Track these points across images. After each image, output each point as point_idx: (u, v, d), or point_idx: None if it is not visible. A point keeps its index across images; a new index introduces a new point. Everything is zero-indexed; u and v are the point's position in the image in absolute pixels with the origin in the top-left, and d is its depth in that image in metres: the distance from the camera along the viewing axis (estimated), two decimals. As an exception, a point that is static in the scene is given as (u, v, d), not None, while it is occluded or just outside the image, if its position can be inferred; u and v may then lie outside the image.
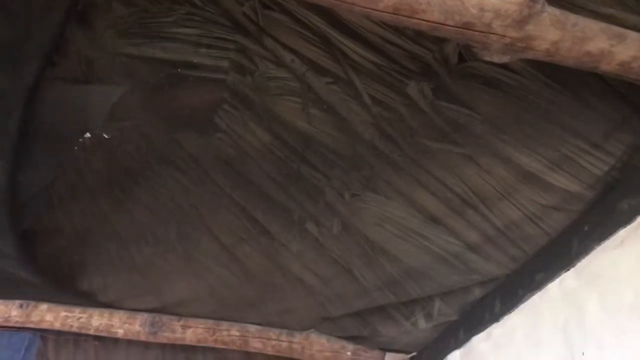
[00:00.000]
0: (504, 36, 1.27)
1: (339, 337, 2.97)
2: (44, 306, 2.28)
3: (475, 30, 1.26)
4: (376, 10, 1.21)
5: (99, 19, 2.73)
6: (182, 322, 2.45)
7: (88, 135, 2.98)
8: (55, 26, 2.21)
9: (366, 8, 1.20)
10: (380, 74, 2.14)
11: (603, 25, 1.34)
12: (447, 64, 1.94)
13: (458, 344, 2.46)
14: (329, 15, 2.14)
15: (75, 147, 2.88)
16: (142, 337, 2.79)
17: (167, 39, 2.59)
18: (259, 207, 2.76)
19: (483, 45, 1.30)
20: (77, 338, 2.67)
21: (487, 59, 1.34)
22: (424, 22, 1.23)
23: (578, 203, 1.86)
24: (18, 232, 2.38)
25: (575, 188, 1.81)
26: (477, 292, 2.27)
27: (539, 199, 1.91)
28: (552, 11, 1.29)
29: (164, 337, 2.77)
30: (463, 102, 1.95)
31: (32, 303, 2.28)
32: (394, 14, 1.22)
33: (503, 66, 1.83)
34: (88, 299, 2.61)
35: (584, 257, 1.82)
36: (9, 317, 2.24)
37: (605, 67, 1.37)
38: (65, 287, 2.61)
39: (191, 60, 2.57)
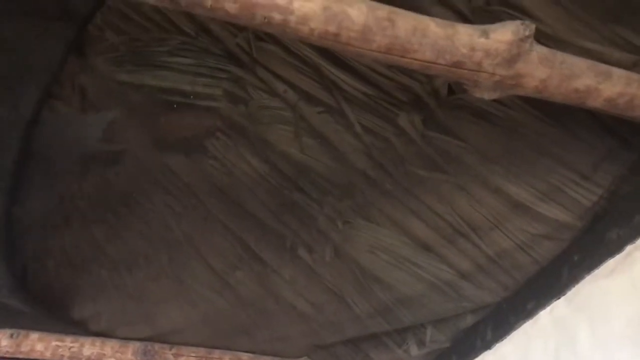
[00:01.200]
0: (493, 74, 1.31)
1: (332, 364, 2.96)
2: (34, 335, 2.27)
3: (466, 69, 1.29)
4: (369, 50, 1.24)
5: (92, 47, 2.76)
6: (174, 351, 2.44)
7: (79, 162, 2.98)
8: (54, 58, 2.23)
9: (359, 48, 1.23)
10: (371, 105, 2.17)
11: (590, 62, 1.38)
12: (437, 96, 1.98)
13: (450, 371, 2.47)
14: (321, 48, 2.17)
15: (69, 175, 2.89)
16: (134, 366, 2.78)
17: (161, 67, 2.62)
18: (252, 234, 2.77)
19: (473, 83, 1.34)
20: (69, 368, 2.65)
21: (478, 95, 1.37)
22: (416, 61, 1.27)
23: (568, 232, 1.88)
24: (12, 262, 2.37)
25: (565, 218, 1.84)
26: (469, 320, 2.28)
27: (530, 228, 1.93)
28: (541, 50, 1.33)
29: (156, 365, 2.76)
30: (453, 133, 1.98)
31: (23, 332, 2.26)
32: (387, 53, 1.25)
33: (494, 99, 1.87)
34: (80, 328, 2.60)
35: (574, 286, 1.84)
36: (-1, 347, 2.23)
37: (592, 103, 1.40)
38: (57, 316, 2.60)
39: (184, 88, 2.60)
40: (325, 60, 2.17)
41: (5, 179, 2.14)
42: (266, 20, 1.16)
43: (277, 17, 1.16)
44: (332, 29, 1.19)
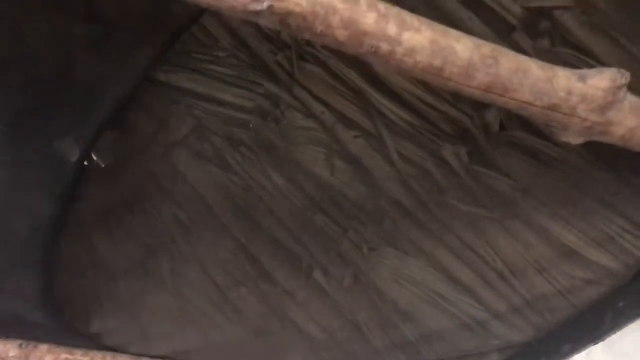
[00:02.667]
0: (585, 119, 1.29)
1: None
2: (44, 347, 2.14)
3: (560, 112, 1.27)
4: (469, 87, 1.21)
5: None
6: (186, 370, 2.35)
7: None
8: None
9: (460, 84, 1.20)
10: (413, 134, 2.15)
11: (676, 114, 1.37)
12: (487, 131, 1.96)
13: (467, 408, 2.42)
14: (367, 72, 2.15)
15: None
16: (146, 383, 2.65)
17: (196, 71, 2.57)
18: (265, 252, 2.70)
19: (563, 126, 1.31)
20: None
21: (563, 139, 1.35)
22: (513, 101, 1.24)
23: (611, 278, 1.87)
24: (44, 269, 2.28)
25: (613, 266, 1.82)
26: (494, 358, 2.25)
27: (572, 272, 1.91)
28: (631, 99, 1.31)
29: (168, 384, 2.65)
30: (501, 170, 1.96)
31: (32, 343, 2.14)
32: (486, 91, 1.22)
33: (546, 138, 1.86)
34: (94, 342, 2.50)
35: (615, 332, 1.82)
36: (7, 357, 2.09)
37: (675, 155, 1.40)
38: (75, 329, 2.50)
39: (216, 95, 2.55)
40: (370, 86, 2.14)
41: (68, 181, 2.03)
42: (373, 49, 1.12)
43: (384, 47, 1.12)
44: (436, 62, 1.16)
